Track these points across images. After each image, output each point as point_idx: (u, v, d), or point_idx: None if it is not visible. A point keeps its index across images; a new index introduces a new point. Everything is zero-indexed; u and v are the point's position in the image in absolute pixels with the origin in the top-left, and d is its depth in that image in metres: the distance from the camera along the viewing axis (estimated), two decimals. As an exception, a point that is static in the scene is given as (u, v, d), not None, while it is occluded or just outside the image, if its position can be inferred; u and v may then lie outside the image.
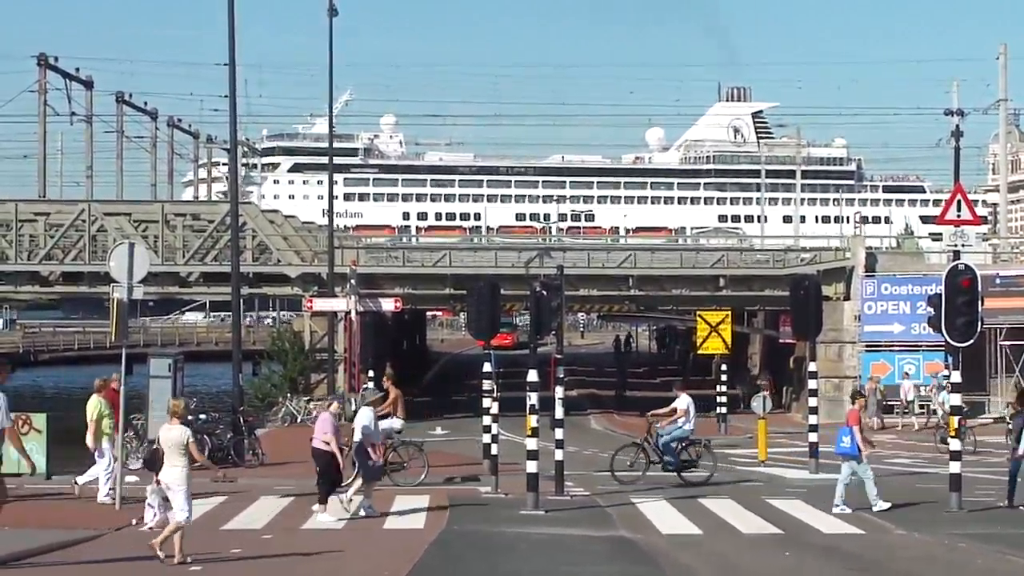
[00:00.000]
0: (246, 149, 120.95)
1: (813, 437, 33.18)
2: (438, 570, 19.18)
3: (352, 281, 50.57)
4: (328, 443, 24.86)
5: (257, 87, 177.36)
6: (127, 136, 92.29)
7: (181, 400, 20.87)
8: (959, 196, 27.85)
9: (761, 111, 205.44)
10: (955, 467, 26.23)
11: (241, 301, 44.92)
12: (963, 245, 27.90)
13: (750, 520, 25.17)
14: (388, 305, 50.87)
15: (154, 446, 19.73)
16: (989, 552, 21.53)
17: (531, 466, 26.31)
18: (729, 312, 52.73)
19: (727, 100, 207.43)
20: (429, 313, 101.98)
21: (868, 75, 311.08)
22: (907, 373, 55.12)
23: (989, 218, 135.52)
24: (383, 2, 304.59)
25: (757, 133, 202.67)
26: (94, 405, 27.48)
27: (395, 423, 31.41)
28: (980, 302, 26.79)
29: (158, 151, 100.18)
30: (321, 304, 50.33)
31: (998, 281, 54.26)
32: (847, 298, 56.74)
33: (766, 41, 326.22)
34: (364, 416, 25.61)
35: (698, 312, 53.39)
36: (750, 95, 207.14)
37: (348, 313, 49.71)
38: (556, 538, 22.77)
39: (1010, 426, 27.96)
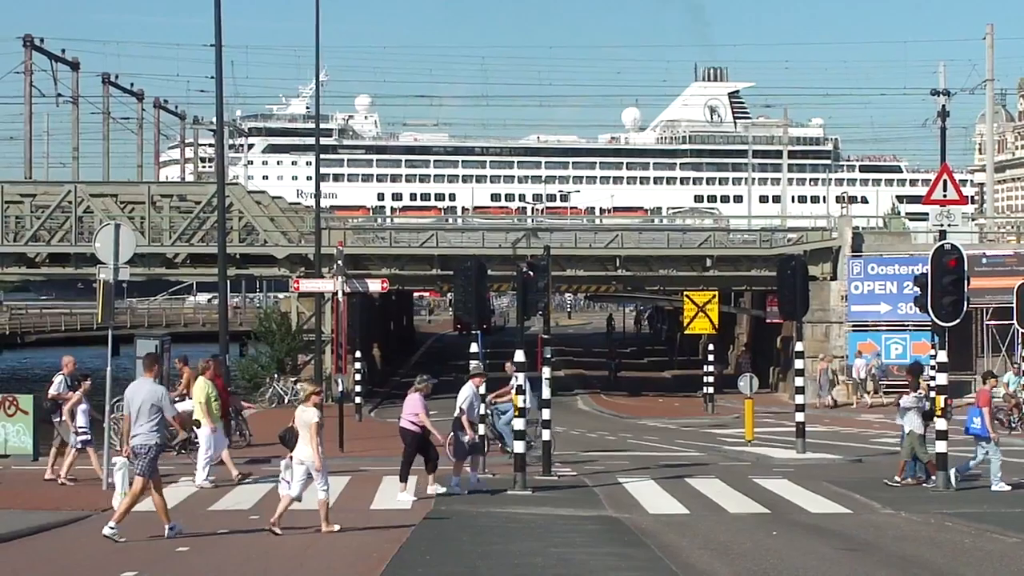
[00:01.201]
0: (232, 130, 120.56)
1: (800, 417, 33.23)
2: (426, 551, 19.17)
3: (339, 262, 50.42)
4: (414, 422, 25.17)
5: (244, 68, 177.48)
6: (113, 117, 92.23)
7: (313, 384, 22.08)
8: (945, 176, 27.85)
9: (738, 91, 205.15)
10: (941, 447, 26.29)
11: (228, 282, 44.81)
12: (949, 225, 27.93)
13: (737, 500, 25.22)
14: (374, 286, 50.67)
15: (290, 424, 21.13)
16: (977, 531, 21.58)
17: (518, 446, 26.33)
18: (716, 292, 52.71)
19: (704, 80, 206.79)
20: (416, 294, 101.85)
21: (853, 56, 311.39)
22: (860, 352, 55.45)
23: (976, 198, 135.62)
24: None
25: (734, 113, 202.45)
26: (201, 387, 27.36)
27: (188, 404, 31.38)
28: (966, 282, 26.85)
29: (144, 132, 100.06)
30: (308, 285, 50.03)
31: (984, 261, 54.45)
32: (834, 278, 56.83)
33: (750, 22, 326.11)
34: (465, 392, 25.92)
35: (685, 292, 53.39)
36: (727, 75, 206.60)
37: (335, 294, 49.53)
38: (544, 518, 22.78)
39: (912, 402, 27.67)
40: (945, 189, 27.61)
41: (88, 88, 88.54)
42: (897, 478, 27.33)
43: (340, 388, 39.16)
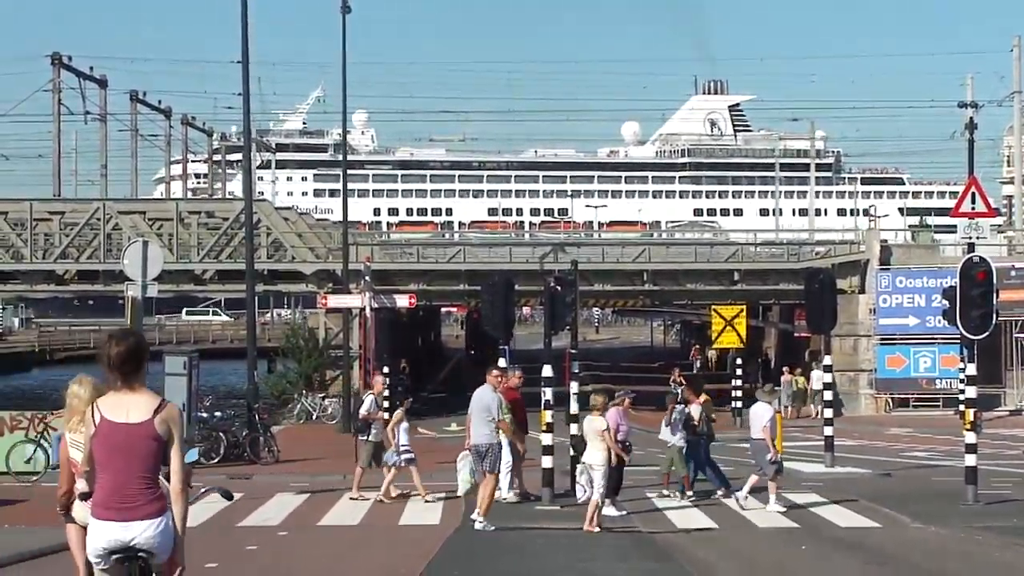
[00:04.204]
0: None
1: (829, 431, 33.14)
2: (454, 566, 19.15)
3: (367, 278, 50.57)
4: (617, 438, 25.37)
5: (271, 85, 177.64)
6: (141, 135, 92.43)
7: (602, 396, 23.73)
8: (973, 188, 27.77)
9: (738, 104, 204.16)
10: (971, 460, 26.15)
11: (256, 298, 44.94)
12: (978, 237, 27.84)
13: (766, 514, 25.14)
14: (402, 301, 50.80)
15: (580, 434, 23.10)
16: (1006, 544, 21.48)
17: (546, 461, 26.28)
18: (744, 306, 52.67)
19: (704, 93, 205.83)
20: (444, 309, 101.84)
21: (880, 69, 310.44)
22: (812, 365, 55.92)
23: (1003, 210, 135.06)
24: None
25: (734, 126, 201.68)
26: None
27: None
28: (995, 294, 26.74)
29: (172, 149, 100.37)
30: (336, 301, 50.24)
31: (1013, 273, 54.24)
32: (862, 291, 56.68)
33: (776, 35, 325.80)
34: (763, 411, 25.97)
35: (713, 306, 53.33)
36: (727, 88, 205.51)
37: (363, 310, 49.65)
38: (572, 534, 22.75)
39: (675, 415, 27.64)
40: (973, 202, 27.54)
41: (116, 105, 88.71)
42: (665, 491, 27.54)
43: (364, 405, 39.12)
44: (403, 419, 27.38)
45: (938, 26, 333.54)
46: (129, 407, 9.28)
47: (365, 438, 27.88)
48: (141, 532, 9.20)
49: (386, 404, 46.64)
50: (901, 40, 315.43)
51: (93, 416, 9.37)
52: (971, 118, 63.39)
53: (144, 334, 11.43)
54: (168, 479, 9.42)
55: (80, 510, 11.36)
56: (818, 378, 55.96)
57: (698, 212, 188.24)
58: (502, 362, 32.00)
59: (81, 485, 10.89)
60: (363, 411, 28.13)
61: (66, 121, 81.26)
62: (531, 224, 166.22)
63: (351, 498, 26.75)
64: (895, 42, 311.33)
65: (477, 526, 22.16)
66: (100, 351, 9.48)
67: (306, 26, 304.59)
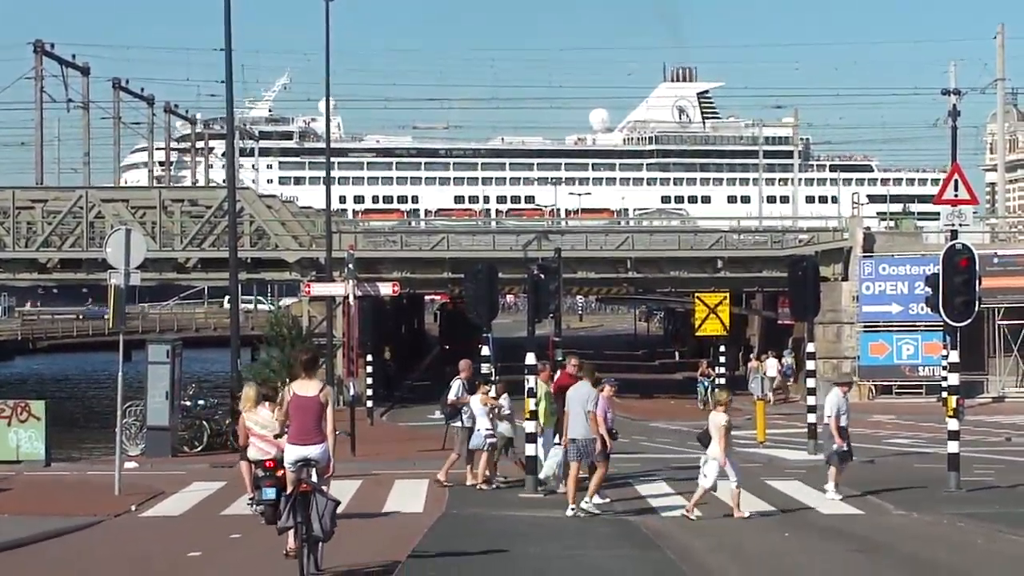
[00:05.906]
0: (240, 132, 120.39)
1: (812, 418, 33.18)
2: (439, 552, 19.14)
3: (350, 265, 50.45)
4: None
5: (254, 72, 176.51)
6: (124, 122, 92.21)
7: (727, 392, 25.24)
8: (956, 175, 27.77)
9: (707, 91, 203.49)
10: (953, 447, 26.22)
11: (239, 286, 44.79)
12: (960, 225, 27.85)
13: (749, 501, 25.14)
14: (386, 289, 50.64)
15: (705, 428, 23.85)
16: (989, 531, 21.54)
17: (530, 449, 26.26)
18: (727, 294, 52.66)
19: (672, 80, 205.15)
20: (427, 297, 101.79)
21: (864, 57, 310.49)
22: (769, 353, 56.20)
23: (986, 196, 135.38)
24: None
25: (703, 113, 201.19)
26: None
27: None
28: (978, 282, 26.78)
29: (155, 137, 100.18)
30: (319, 289, 50.03)
31: (996, 261, 54.32)
32: (845, 279, 56.72)
33: (760, 23, 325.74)
34: (834, 397, 25.89)
35: (696, 294, 53.32)
36: (695, 75, 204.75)
37: (346, 298, 49.55)
38: (555, 521, 22.77)
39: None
40: (956, 189, 27.54)
41: (98, 93, 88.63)
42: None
43: (352, 392, 39.07)
44: (487, 403, 27.35)
45: (922, 14, 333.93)
46: (308, 387, 16.69)
47: (459, 424, 27.77)
48: (313, 450, 16.47)
49: (369, 392, 46.95)
50: (884, 28, 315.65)
51: (288, 392, 16.84)
52: (954, 105, 63.39)
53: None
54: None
55: (252, 450, 21.57)
56: (772, 366, 56.31)
57: (666, 199, 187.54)
58: (485, 350, 32.13)
59: (254, 441, 21.52)
60: (452, 396, 27.93)
61: (48, 109, 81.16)
62: (497, 212, 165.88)
63: (469, 484, 26.87)
64: (878, 30, 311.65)
65: (584, 505, 23.35)
66: (294, 357, 18.31)
67: (280, 12, 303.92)
